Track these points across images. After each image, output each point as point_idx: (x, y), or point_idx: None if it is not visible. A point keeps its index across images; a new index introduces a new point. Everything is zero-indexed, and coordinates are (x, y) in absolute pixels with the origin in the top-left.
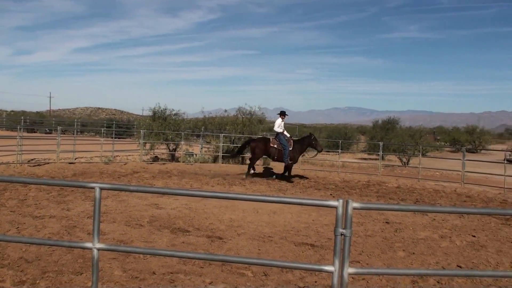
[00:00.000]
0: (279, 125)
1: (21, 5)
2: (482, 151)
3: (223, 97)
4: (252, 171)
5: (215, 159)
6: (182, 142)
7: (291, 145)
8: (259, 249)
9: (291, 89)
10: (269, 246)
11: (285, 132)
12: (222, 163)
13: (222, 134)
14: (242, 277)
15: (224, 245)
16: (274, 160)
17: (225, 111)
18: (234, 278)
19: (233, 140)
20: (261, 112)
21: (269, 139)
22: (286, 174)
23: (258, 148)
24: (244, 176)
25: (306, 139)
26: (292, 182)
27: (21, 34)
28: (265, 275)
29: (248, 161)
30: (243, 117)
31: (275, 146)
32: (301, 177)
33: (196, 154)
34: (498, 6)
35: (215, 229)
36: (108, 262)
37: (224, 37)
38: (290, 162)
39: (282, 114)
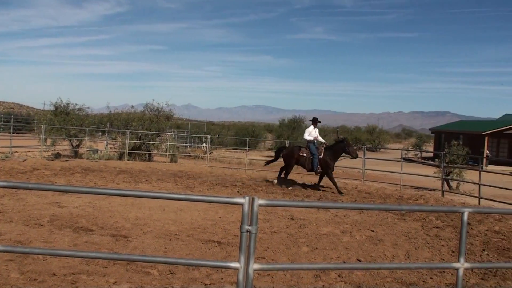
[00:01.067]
0: (309, 133)
1: None
2: (381, 150)
3: (130, 92)
4: (282, 177)
5: (121, 156)
6: (86, 138)
7: (321, 153)
8: (166, 247)
9: (199, 86)
10: (176, 244)
11: (320, 138)
12: (128, 160)
13: (129, 131)
14: (148, 276)
15: (129, 244)
16: (307, 170)
17: (132, 107)
18: (140, 277)
19: (140, 136)
20: (169, 109)
21: (300, 147)
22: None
23: (287, 156)
24: (274, 181)
25: (338, 145)
26: (319, 190)
27: None
28: (171, 273)
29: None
30: (150, 114)
31: (305, 154)
32: (212, 173)
33: (101, 151)
34: (397, 13)
35: (120, 228)
36: (4, 264)
37: (132, 31)
38: (320, 171)
39: (314, 121)
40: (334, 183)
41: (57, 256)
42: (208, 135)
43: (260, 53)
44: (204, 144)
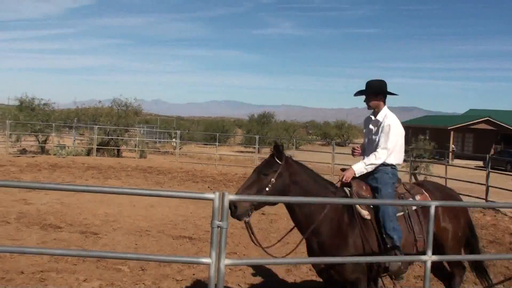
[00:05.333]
0: None
1: None
2: (350, 145)
3: (97, 87)
4: None
5: (89, 152)
6: (53, 134)
7: None
8: (136, 244)
9: (168, 80)
10: (147, 240)
11: None
12: (97, 156)
13: (97, 126)
14: (119, 272)
15: (99, 241)
16: None
17: (100, 102)
18: (110, 274)
19: (108, 132)
20: (138, 104)
21: None
22: None
23: None
24: None
25: None
26: None
27: None
28: (143, 269)
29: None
30: (118, 109)
31: None
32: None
33: (68, 147)
34: (362, 9)
35: (89, 225)
36: None
37: (98, 25)
38: None
39: None
40: None
41: (25, 254)
42: (177, 131)
43: (228, 48)
44: (174, 140)
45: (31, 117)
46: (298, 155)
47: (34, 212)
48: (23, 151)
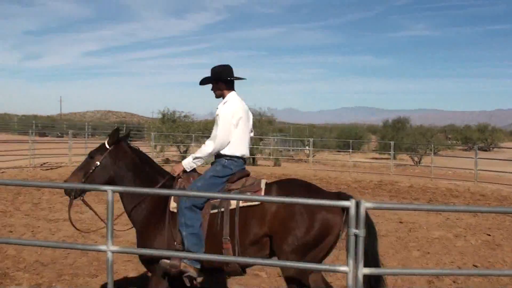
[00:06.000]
0: None
1: (28, 10)
2: (495, 149)
3: None
4: None
5: None
6: (193, 144)
7: None
8: None
9: (300, 89)
10: None
11: None
12: None
13: None
14: (257, 278)
15: None
16: None
17: None
18: (249, 280)
19: None
20: (271, 113)
21: None
22: None
23: None
24: None
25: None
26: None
27: (30, 39)
28: (280, 275)
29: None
30: (252, 119)
31: None
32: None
33: None
34: (506, 3)
35: None
36: (123, 265)
37: (231, 38)
38: None
39: None
40: None
41: None
42: (310, 138)
43: (359, 53)
44: (307, 147)
45: (173, 129)
46: (437, 161)
47: None
48: (166, 161)
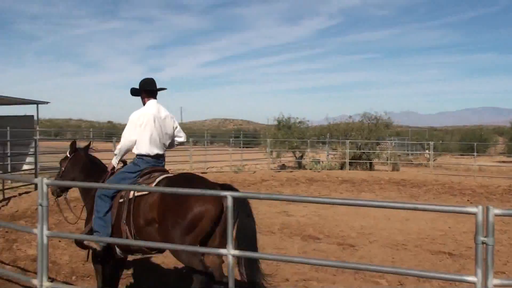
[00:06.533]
0: None
1: (150, 26)
2: None
3: (346, 103)
4: None
5: (342, 166)
6: (308, 150)
7: None
8: (393, 257)
9: (417, 91)
10: (403, 254)
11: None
12: (350, 169)
13: (348, 141)
14: (377, 285)
15: (356, 253)
16: None
17: (350, 117)
18: (368, 287)
19: (360, 146)
20: (388, 117)
21: None
22: None
23: None
24: None
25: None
26: None
27: (152, 53)
28: (401, 284)
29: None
30: (368, 123)
31: None
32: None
33: (322, 161)
34: None
35: (346, 236)
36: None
37: (345, 42)
38: None
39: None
40: None
41: (288, 263)
42: (430, 142)
43: (482, 51)
44: (427, 151)
45: (288, 135)
46: None
47: (295, 223)
48: (283, 167)
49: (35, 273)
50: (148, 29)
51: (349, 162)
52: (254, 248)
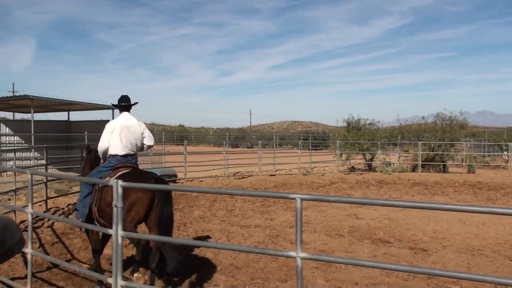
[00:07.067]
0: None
1: (221, 31)
2: None
3: (419, 103)
4: None
5: (414, 168)
6: (379, 152)
7: None
8: (468, 263)
9: (495, 90)
10: (479, 260)
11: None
12: (422, 171)
13: (421, 142)
14: None
15: (428, 258)
16: None
17: (422, 118)
18: None
19: (433, 147)
20: (463, 117)
21: None
22: None
23: None
24: None
25: None
26: None
27: (222, 57)
28: None
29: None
30: (442, 123)
31: None
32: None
33: (393, 163)
34: None
35: (417, 241)
36: (311, 271)
37: (417, 41)
38: None
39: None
40: None
41: (358, 266)
42: (509, 143)
43: None
44: (505, 153)
45: (358, 137)
46: None
47: (365, 226)
48: (352, 169)
49: (110, 271)
50: (219, 34)
51: (422, 164)
52: (169, 229)
